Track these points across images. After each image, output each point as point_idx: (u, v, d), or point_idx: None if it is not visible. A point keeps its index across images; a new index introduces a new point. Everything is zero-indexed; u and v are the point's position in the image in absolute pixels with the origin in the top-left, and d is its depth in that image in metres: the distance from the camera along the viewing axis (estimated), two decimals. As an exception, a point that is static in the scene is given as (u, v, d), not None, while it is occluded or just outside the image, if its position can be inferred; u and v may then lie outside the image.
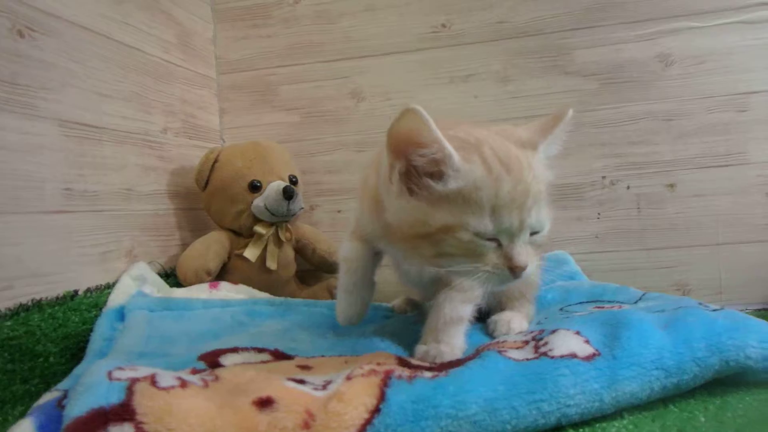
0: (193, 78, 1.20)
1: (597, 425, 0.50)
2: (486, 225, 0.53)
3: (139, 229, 0.97)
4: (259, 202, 1.04)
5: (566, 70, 1.15)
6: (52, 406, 0.48)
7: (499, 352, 0.56)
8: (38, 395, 0.64)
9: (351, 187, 1.24)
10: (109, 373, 0.46)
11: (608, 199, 1.14)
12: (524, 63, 1.17)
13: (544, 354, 0.55)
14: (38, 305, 0.71)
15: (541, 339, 0.60)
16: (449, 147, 0.53)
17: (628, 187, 1.14)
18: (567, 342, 0.57)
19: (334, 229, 1.26)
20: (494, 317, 0.77)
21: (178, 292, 0.93)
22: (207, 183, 1.07)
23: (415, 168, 0.54)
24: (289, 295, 1.12)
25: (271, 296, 0.99)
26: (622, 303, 0.85)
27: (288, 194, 1.02)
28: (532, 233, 0.55)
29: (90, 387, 0.43)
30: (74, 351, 0.73)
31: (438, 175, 0.54)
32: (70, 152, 0.82)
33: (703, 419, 0.50)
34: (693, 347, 0.55)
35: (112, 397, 0.42)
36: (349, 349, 0.66)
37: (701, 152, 1.10)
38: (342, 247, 0.74)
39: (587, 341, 0.57)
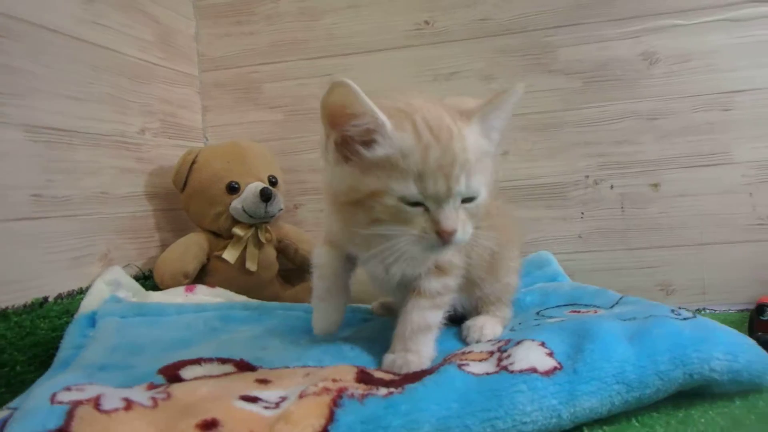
0: (175, 77, 1.18)
1: (554, 442, 0.48)
2: (410, 190, 0.54)
3: (115, 232, 0.95)
4: (236, 204, 1.02)
5: (550, 68, 1.13)
6: (-3, 428, 0.46)
7: (459, 366, 0.55)
8: (5, 404, 0.63)
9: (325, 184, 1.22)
10: (53, 396, 0.44)
11: (592, 198, 1.12)
12: (507, 61, 1.14)
13: (505, 368, 0.53)
14: (3, 314, 0.69)
15: (505, 350, 0.59)
16: (382, 116, 0.54)
17: (612, 187, 1.11)
18: (529, 355, 0.55)
19: (317, 228, 1.24)
20: (468, 322, 0.76)
21: (154, 296, 0.91)
22: (185, 184, 1.05)
23: (349, 137, 0.56)
24: (272, 295, 1.10)
25: (248, 299, 0.98)
26: (598, 307, 0.84)
27: (265, 196, 1.00)
28: (466, 200, 0.57)
29: (30, 411, 0.41)
30: (44, 358, 0.71)
31: (370, 143, 0.55)
32: (38, 158, 0.80)
33: (664, 435, 0.48)
34: (656, 360, 0.54)
35: (50, 422, 0.40)
36: (316, 359, 0.64)
37: (686, 152, 1.08)
38: (314, 253, 0.72)
39: (551, 353, 0.56)
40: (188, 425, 0.43)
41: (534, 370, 0.52)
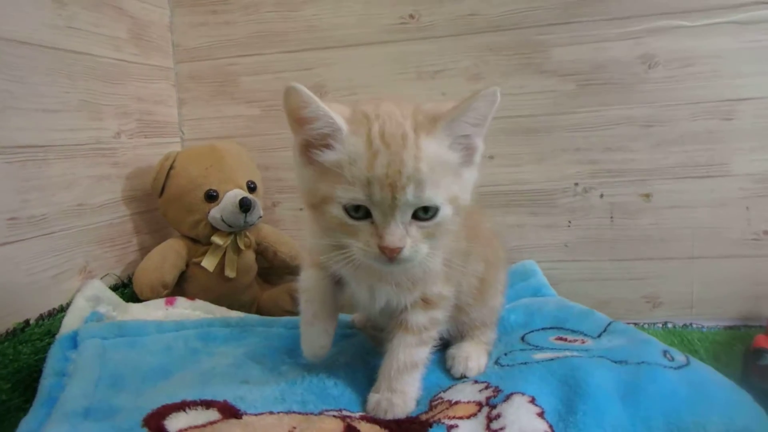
0: (149, 72, 1.24)
1: None
2: (355, 196, 0.58)
3: (92, 243, 1.05)
4: (215, 213, 1.11)
5: (542, 68, 1.17)
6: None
7: (448, 429, 0.61)
8: (-8, 436, 0.74)
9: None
10: None
11: (580, 207, 1.19)
12: (496, 60, 1.18)
13: None
14: (-14, 344, 0.80)
15: (494, 406, 0.64)
16: (339, 121, 0.60)
17: (602, 196, 1.18)
18: (520, 419, 0.60)
19: (296, 227, 1.33)
20: (452, 350, 0.83)
21: (134, 309, 1.02)
22: (163, 190, 1.14)
23: (310, 140, 0.62)
24: (250, 298, 1.21)
25: (228, 312, 1.07)
26: (585, 335, 0.91)
27: (245, 207, 1.09)
28: (422, 217, 0.60)
29: None
30: (28, 382, 0.81)
31: (328, 147, 0.60)
32: (12, 179, 0.88)
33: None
34: (651, 426, 0.59)
35: None
36: (300, 401, 0.71)
37: (681, 162, 1.13)
38: (300, 276, 0.78)
39: (541, 413, 0.62)
40: None
41: None
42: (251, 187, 1.16)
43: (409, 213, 0.59)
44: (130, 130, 1.17)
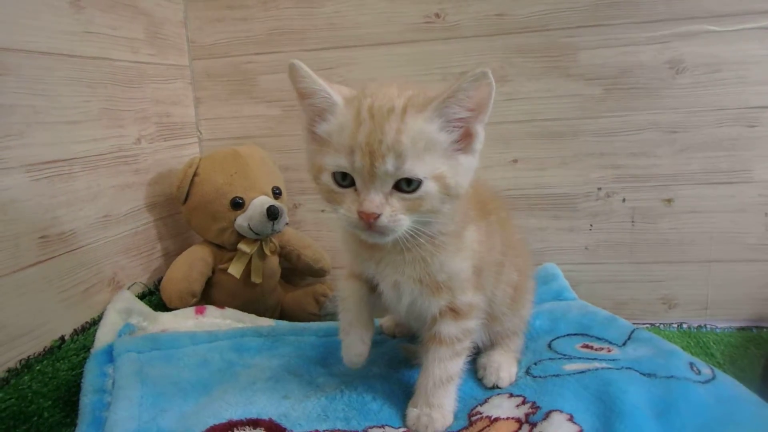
0: (165, 72, 1.19)
1: None
2: (339, 164, 0.60)
3: (119, 253, 1.02)
4: (242, 221, 1.08)
5: (569, 72, 1.14)
6: None
7: None
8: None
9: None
10: None
11: (602, 211, 1.19)
12: (523, 62, 1.15)
13: None
14: (26, 365, 0.78)
15: (534, 424, 0.66)
16: (335, 95, 0.62)
17: (624, 200, 1.17)
18: None
19: (317, 228, 1.32)
20: (483, 360, 0.84)
21: (164, 318, 1.00)
22: (187, 197, 1.11)
23: (312, 114, 0.64)
24: (275, 302, 1.20)
25: (257, 320, 1.07)
26: (611, 344, 0.92)
27: (272, 215, 1.06)
28: (403, 189, 0.60)
29: None
30: (67, 398, 0.81)
31: (324, 120, 0.63)
32: (41, 197, 0.85)
33: None
34: None
35: None
36: (343, 418, 0.72)
37: (703, 168, 1.13)
38: (338, 287, 0.81)
39: (581, 431, 0.63)
40: None
41: None
42: (276, 193, 1.14)
43: (390, 183, 0.60)
44: (149, 134, 1.13)
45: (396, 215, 0.61)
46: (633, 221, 1.18)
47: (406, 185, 0.60)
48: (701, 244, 1.16)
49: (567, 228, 1.21)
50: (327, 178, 0.62)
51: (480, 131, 0.63)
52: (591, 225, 1.20)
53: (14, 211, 0.79)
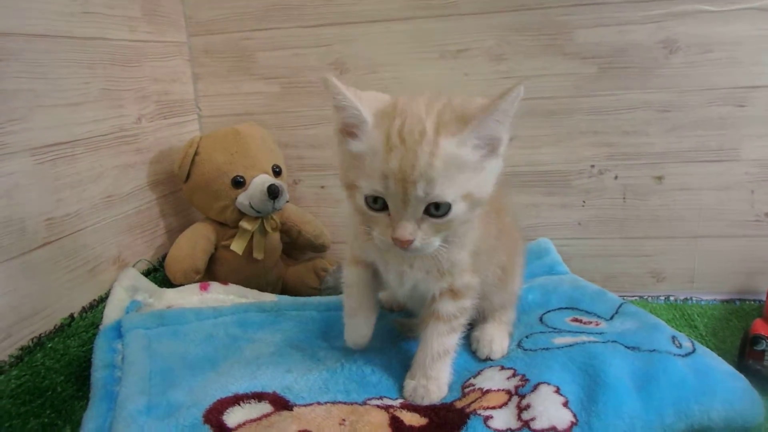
0: (164, 50, 1.17)
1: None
2: (373, 189, 0.60)
3: (123, 232, 1.02)
4: (243, 199, 1.08)
5: (565, 50, 1.13)
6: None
7: (485, 420, 0.65)
8: (52, 426, 0.75)
9: (334, 163, 1.26)
10: None
11: (595, 188, 1.19)
12: (520, 40, 1.14)
13: (527, 424, 0.64)
14: (39, 343, 0.80)
15: (523, 396, 0.69)
16: (365, 112, 0.61)
17: (616, 177, 1.18)
18: (548, 409, 0.65)
19: (317, 205, 1.32)
20: (476, 334, 0.86)
21: (170, 295, 1.01)
22: (188, 176, 1.10)
23: (344, 126, 0.63)
24: (276, 276, 1.22)
25: (260, 295, 1.08)
26: (599, 317, 0.94)
27: (273, 194, 1.06)
28: (433, 214, 0.60)
29: None
30: (78, 372, 0.82)
31: (356, 136, 0.62)
32: (46, 180, 0.84)
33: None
34: (662, 414, 0.64)
35: None
36: (344, 390, 0.74)
37: (693, 146, 1.13)
38: (343, 273, 0.82)
39: (566, 402, 0.66)
40: None
41: (554, 429, 0.62)
42: (276, 172, 1.13)
43: (421, 208, 0.60)
44: (149, 113, 1.11)
45: (428, 239, 0.61)
46: (624, 198, 1.19)
47: (435, 209, 0.60)
48: (689, 220, 1.17)
49: (560, 204, 1.22)
50: (360, 200, 0.62)
51: (505, 136, 0.62)
52: (584, 201, 1.21)
53: (20, 194, 0.79)
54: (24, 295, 0.79)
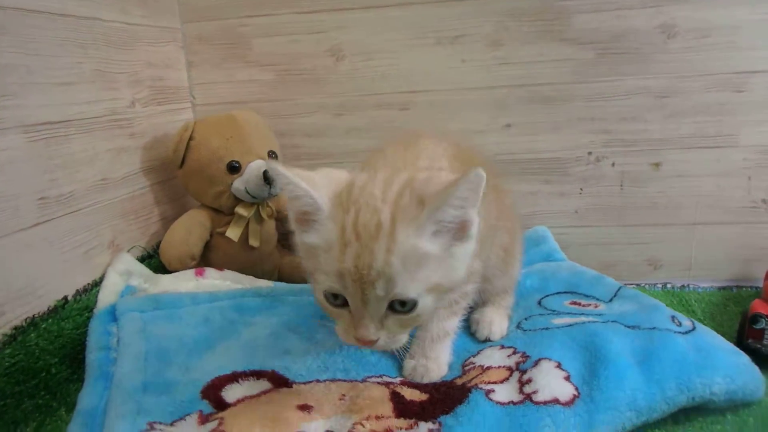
0: (158, 35, 1.17)
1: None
2: (330, 287, 0.56)
3: (117, 217, 1.03)
4: (239, 185, 1.09)
5: (563, 36, 1.15)
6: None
7: (487, 394, 0.65)
8: (47, 407, 0.76)
9: (331, 152, 1.29)
10: None
11: (592, 175, 1.21)
12: (518, 26, 1.15)
13: (528, 397, 0.64)
14: (32, 323, 0.79)
15: (524, 371, 0.69)
16: (320, 200, 0.57)
17: (614, 164, 1.20)
18: (550, 382, 0.66)
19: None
20: (476, 316, 0.87)
21: (165, 280, 1.01)
22: (183, 161, 1.11)
23: (299, 215, 0.59)
24: (272, 266, 1.22)
25: (256, 281, 1.09)
26: (598, 300, 0.96)
27: (269, 179, 1.07)
28: (397, 309, 0.56)
29: None
30: (73, 356, 0.83)
31: (310, 225, 0.58)
32: (39, 158, 0.84)
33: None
34: (664, 387, 0.65)
35: None
36: (342, 369, 0.75)
37: (691, 132, 1.15)
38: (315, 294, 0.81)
39: (568, 377, 0.67)
40: None
41: (556, 401, 0.63)
42: (272, 157, 1.14)
43: (383, 306, 0.56)
44: (143, 98, 1.12)
45: (395, 337, 0.59)
46: (622, 185, 1.21)
47: (400, 306, 0.57)
48: (687, 208, 1.19)
49: (558, 192, 1.23)
50: (319, 295, 0.59)
51: (474, 216, 0.57)
52: (581, 189, 1.22)
53: (12, 171, 0.79)
54: (17, 274, 0.79)
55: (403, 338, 0.60)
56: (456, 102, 1.21)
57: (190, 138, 1.09)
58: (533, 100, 1.18)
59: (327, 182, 0.60)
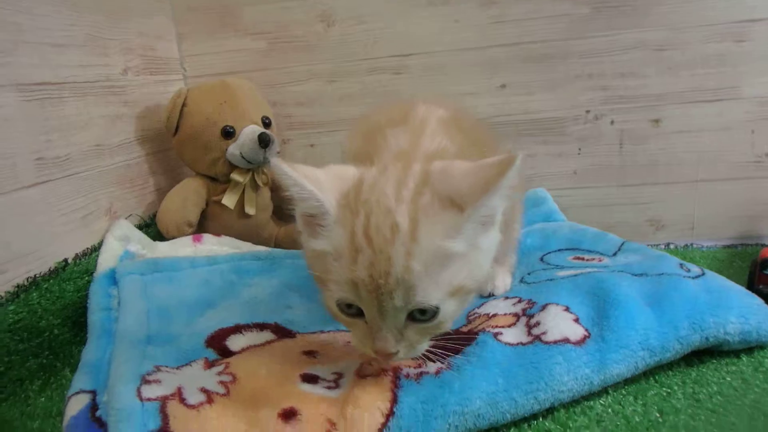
0: (148, 6, 1.19)
1: (584, 403, 0.60)
2: (344, 297, 0.52)
3: (114, 184, 1.04)
4: (234, 150, 1.10)
5: (557, -8, 1.15)
6: (86, 420, 0.58)
7: (495, 336, 0.65)
8: (51, 367, 0.78)
9: (324, 120, 1.30)
10: (138, 392, 0.55)
11: (591, 134, 1.21)
12: (512, -16, 1.16)
13: (538, 338, 0.63)
14: (34, 282, 0.81)
15: (531, 316, 0.69)
16: (327, 203, 0.52)
17: (612, 122, 1.20)
18: (558, 324, 0.65)
19: (307, 164, 1.32)
20: None
21: (162, 247, 1.04)
22: (177, 129, 1.12)
23: (306, 217, 0.55)
24: (269, 235, 1.24)
25: (255, 247, 1.10)
26: (601, 254, 0.96)
27: (264, 142, 1.09)
28: (417, 318, 0.52)
29: (124, 414, 0.52)
30: (75, 319, 0.84)
31: (319, 227, 0.53)
32: (35, 118, 0.86)
33: (681, 396, 0.61)
34: (677, 326, 0.64)
35: (150, 423, 0.52)
36: None
37: (691, 86, 1.15)
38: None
39: (577, 319, 0.66)
40: (270, 416, 0.53)
41: (567, 341, 0.62)
42: (266, 123, 1.16)
43: (403, 316, 0.52)
44: (135, 66, 1.13)
45: (415, 347, 0.55)
46: (621, 144, 1.21)
47: (420, 314, 0.52)
48: (688, 165, 1.19)
49: (556, 153, 1.24)
50: (331, 304, 0.54)
51: (499, 204, 0.53)
52: (579, 149, 1.23)
53: (8, 129, 0.81)
54: (17, 233, 0.81)
55: (424, 346, 0.56)
56: (450, 64, 1.21)
57: (183, 105, 1.11)
58: (528, 58, 1.19)
59: (335, 180, 0.55)
